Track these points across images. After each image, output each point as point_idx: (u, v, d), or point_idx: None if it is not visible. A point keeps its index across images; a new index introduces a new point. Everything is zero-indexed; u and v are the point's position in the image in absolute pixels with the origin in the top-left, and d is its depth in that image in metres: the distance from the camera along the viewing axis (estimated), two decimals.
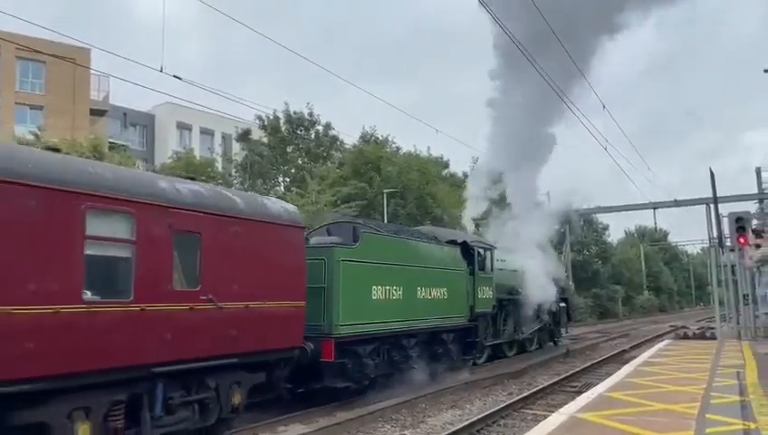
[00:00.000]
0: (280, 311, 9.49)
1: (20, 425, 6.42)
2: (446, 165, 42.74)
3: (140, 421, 7.64)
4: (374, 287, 12.27)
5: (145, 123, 48.50)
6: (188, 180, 9.27)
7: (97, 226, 7.06)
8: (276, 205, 10.32)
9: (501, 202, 24.32)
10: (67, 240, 6.72)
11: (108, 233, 7.25)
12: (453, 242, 16.21)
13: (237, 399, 8.99)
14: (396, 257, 13.13)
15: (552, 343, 22.82)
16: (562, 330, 24.14)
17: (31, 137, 25.80)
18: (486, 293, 17.01)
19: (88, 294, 6.90)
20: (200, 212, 8.32)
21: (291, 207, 10.83)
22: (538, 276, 20.81)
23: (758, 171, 27.93)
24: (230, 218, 8.75)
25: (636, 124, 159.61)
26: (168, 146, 42.77)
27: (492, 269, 17.54)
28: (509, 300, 19.07)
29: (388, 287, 12.68)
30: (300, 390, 11.28)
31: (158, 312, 7.63)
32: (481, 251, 17.07)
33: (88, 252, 6.91)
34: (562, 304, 23.38)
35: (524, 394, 12.53)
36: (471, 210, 22.50)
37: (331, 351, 10.98)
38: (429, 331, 14.27)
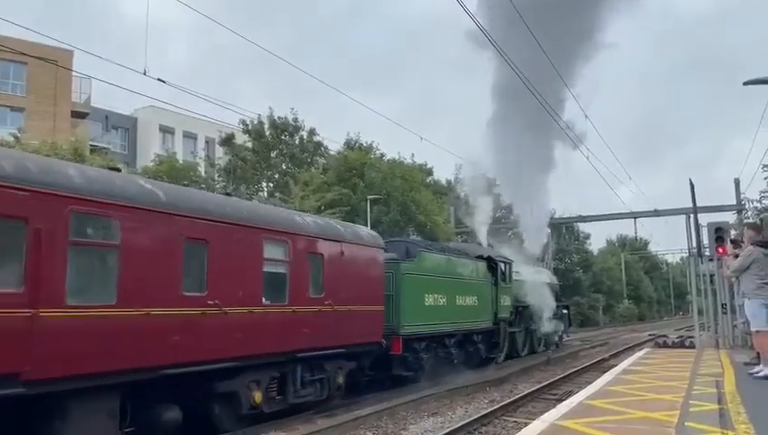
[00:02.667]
0: (368, 313, 12.43)
1: (220, 392, 9.16)
2: (430, 172, 42.85)
3: (286, 393, 10.54)
4: (426, 295, 15.03)
5: (127, 126, 47.98)
6: (308, 214, 12.56)
7: (269, 251, 9.99)
8: (364, 231, 13.55)
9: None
10: (255, 261, 9.70)
11: (275, 256, 10.21)
12: (480, 257, 18.84)
13: (340, 380, 11.96)
14: (441, 271, 15.98)
15: (555, 346, 25.18)
16: (564, 335, 27.12)
17: (11, 139, 25.40)
18: (506, 301, 19.78)
19: (264, 300, 9.78)
20: (322, 238, 11.35)
21: (373, 232, 14.15)
22: (545, 287, 23.78)
23: (737, 182, 28.38)
24: (338, 242, 11.73)
25: (624, 134, 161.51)
26: (150, 149, 42.37)
27: (510, 280, 20.26)
28: (523, 307, 21.69)
29: (436, 295, 15.42)
30: (367, 378, 13.50)
31: (302, 313, 10.58)
32: (502, 265, 19.70)
33: (264, 269, 9.88)
34: (564, 311, 26.58)
35: (506, 402, 12.54)
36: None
37: (399, 345, 13.73)
38: (464, 332, 17.11)
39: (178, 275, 8.26)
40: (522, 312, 21.75)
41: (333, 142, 37.34)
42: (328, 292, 11.18)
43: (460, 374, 15.83)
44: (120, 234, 7.54)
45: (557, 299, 25.10)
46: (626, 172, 77.50)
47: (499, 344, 19.44)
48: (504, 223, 35.94)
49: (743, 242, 10.12)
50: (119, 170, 9.05)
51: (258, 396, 9.71)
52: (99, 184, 7.57)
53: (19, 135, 26.77)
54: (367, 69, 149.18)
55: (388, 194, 32.15)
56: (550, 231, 30.34)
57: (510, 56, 16.97)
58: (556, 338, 25.63)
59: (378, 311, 12.80)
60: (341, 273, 11.65)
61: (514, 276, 20.93)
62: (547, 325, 23.61)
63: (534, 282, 22.98)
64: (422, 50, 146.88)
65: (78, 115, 39.63)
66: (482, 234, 25.10)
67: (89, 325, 7.13)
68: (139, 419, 8.02)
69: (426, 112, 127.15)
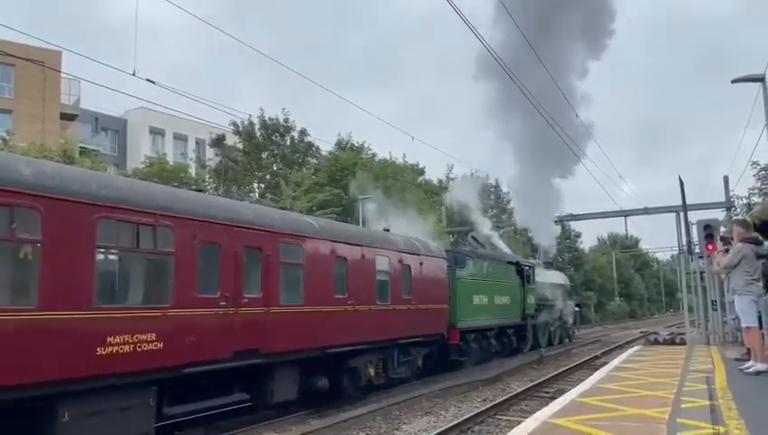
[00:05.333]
0: (437, 310, 15.82)
1: (348, 368, 12.43)
2: (422, 172, 42.84)
3: (387, 370, 13.89)
4: (474, 296, 18.14)
5: (117, 128, 47.74)
6: (398, 234, 15.76)
7: (379, 264, 13.44)
8: (433, 245, 16.78)
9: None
10: (371, 271, 13.21)
11: (382, 267, 13.58)
12: (510, 262, 22.10)
13: (419, 362, 15.39)
14: (484, 275, 19.16)
15: (567, 339, 28.85)
16: (576, 330, 31.19)
17: None
18: (531, 299, 22.87)
19: (376, 300, 13.22)
20: (407, 253, 14.79)
21: (438, 244, 17.40)
22: (560, 287, 27.28)
23: (726, 180, 28.51)
24: (418, 255, 15.19)
25: (627, 133, 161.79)
26: (140, 151, 42.21)
27: (534, 282, 23.42)
28: (543, 305, 24.76)
29: (480, 295, 18.55)
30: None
31: (398, 310, 14.05)
32: (527, 269, 22.84)
33: (377, 278, 13.32)
34: (576, 309, 30.64)
35: (498, 400, 12.59)
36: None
37: (457, 336, 16.84)
38: (500, 326, 20.27)
39: (332, 283, 11.78)
40: (542, 309, 24.61)
41: (326, 143, 37.21)
42: (413, 294, 14.65)
43: (500, 360, 19.61)
44: (304, 256, 11.12)
45: (569, 298, 28.54)
46: (616, 171, 77.83)
47: (526, 337, 22.69)
48: (499, 224, 36.97)
49: (732, 239, 10.17)
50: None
51: (371, 372, 13.13)
52: (291, 222, 11.32)
53: (7, 137, 26.54)
54: (366, 68, 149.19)
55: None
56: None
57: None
58: (571, 333, 29.46)
59: (443, 308, 16.16)
60: (421, 278, 15.10)
61: (536, 278, 23.96)
62: (562, 321, 27.42)
63: (551, 283, 26.27)
64: (421, 48, 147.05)
65: (67, 117, 39.25)
66: (501, 243, 27.81)
67: (290, 319, 10.57)
68: (304, 385, 11.20)
69: (424, 111, 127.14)
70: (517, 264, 22.34)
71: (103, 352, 7.28)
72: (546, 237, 30.06)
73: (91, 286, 7.31)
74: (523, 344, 22.61)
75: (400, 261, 14.34)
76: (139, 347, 7.70)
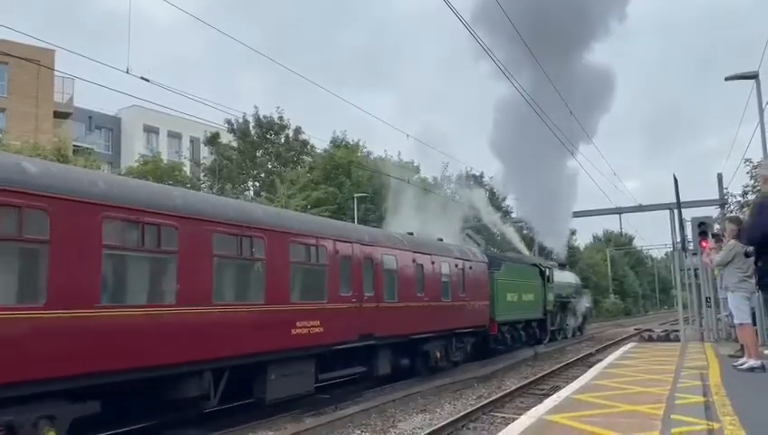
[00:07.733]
0: (482, 305, 19.21)
1: (421, 351, 15.63)
2: (417, 170, 42.80)
3: (448, 355, 16.99)
4: (508, 294, 21.36)
5: (111, 126, 47.66)
6: (454, 244, 19.88)
7: (444, 268, 16.73)
8: (477, 250, 20.85)
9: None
10: (439, 274, 16.42)
11: (445, 271, 16.79)
12: (533, 264, 25.54)
13: (468, 349, 18.67)
14: (514, 276, 22.40)
15: (580, 333, 32.69)
16: (586, 326, 34.91)
17: None
18: (551, 297, 26.41)
19: (442, 298, 16.45)
20: (461, 259, 18.13)
21: (479, 250, 21.72)
22: (573, 286, 30.90)
23: (719, 177, 28.63)
24: (468, 260, 18.59)
25: (630, 131, 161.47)
26: (134, 149, 42.18)
27: (553, 281, 26.91)
28: (560, 302, 28.44)
29: (512, 294, 21.80)
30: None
31: (456, 305, 17.33)
32: (547, 269, 26.22)
33: (443, 280, 16.62)
34: (587, 305, 34.63)
35: (493, 397, 12.75)
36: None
37: (495, 329, 20.20)
38: (527, 320, 23.64)
39: (415, 284, 15.35)
40: (558, 306, 28.11)
41: (321, 141, 37.20)
42: (466, 292, 18.00)
43: (527, 349, 23.02)
44: (396, 264, 14.64)
45: (581, 296, 32.27)
46: (610, 167, 77.90)
47: (547, 329, 26.23)
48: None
49: (724, 236, 10.19)
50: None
51: (438, 355, 16.32)
52: (390, 239, 15.11)
53: (0, 136, 26.41)
54: (364, 65, 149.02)
55: (374, 192, 32.11)
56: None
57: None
58: (583, 328, 32.99)
59: (486, 304, 19.64)
60: (470, 279, 18.46)
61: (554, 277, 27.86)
62: (576, 316, 31.23)
63: (566, 283, 29.94)
64: (421, 46, 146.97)
65: (61, 115, 39.21)
66: (522, 246, 32.14)
67: (390, 311, 14.04)
68: (393, 362, 14.57)
69: (423, 108, 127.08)
70: (539, 265, 25.83)
71: (295, 332, 10.84)
72: (558, 243, 33.96)
73: (288, 287, 10.98)
74: (544, 336, 26.05)
75: (456, 265, 17.76)
76: (311, 330, 11.22)
